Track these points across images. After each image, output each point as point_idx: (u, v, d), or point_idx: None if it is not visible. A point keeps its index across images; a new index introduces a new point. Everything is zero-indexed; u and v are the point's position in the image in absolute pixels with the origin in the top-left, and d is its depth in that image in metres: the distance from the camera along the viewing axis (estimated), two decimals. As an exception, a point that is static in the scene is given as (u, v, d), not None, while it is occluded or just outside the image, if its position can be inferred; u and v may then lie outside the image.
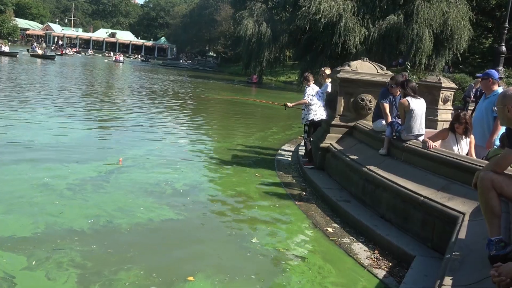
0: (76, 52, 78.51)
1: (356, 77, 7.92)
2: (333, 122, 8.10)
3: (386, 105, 6.83)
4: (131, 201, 5.86)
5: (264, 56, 40.40)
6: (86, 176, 6.77)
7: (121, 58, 66.63)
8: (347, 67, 8.10)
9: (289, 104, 9.05)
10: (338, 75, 7.96)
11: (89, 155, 8.11)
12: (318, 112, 8.47)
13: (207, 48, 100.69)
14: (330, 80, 8.80)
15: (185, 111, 17.10)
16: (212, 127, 14.01)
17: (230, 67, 74.13)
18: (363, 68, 8.07)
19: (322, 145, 7.99)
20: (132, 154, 8.53)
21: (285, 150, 10.28)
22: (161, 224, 5.19)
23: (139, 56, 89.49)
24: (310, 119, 8.51)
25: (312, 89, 8.63)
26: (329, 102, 8.55)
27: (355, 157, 6.74)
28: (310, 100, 8.51)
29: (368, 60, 8.41)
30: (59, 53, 64.33)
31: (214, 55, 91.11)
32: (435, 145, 5.50)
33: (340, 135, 8.03)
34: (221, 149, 10.03)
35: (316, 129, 8.66)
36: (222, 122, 15.65)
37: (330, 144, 7.86)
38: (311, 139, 8.46)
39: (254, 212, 5.95)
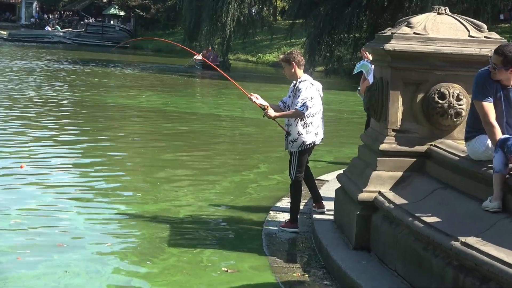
0: None
1: (425, 48, 8.05)
2: (382, 147, 8.19)
3: (489, 106, 6.90)
4: None
5: (229, 13, 40.69)
6: None
7: None
8: (405, 28, 8.23)
9: (272, 114, 9.29)
10: (387, 46, 8.07)
11: None
12: (320, 129, 9.54)
13: (104, 1, 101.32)
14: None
15: (70, 132, 17.20)
16: (132, 168, 14.08)
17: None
18: (440, 29, 8.23)
19: (362, 196, 8.05)
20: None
21: (283, 211, 10.31)
22: None
23: None
24: (309, 142, 9.28)
25: (311, 84, 9.27)
26: (370, 105, 8.65)
27: (434, 220, 6.79)
28: (310, 107, 9.11)
29: (448, 11, 8.58)
30: None
31: (122, 14, 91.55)
32: None
33: (400, 173, 8.12)
34: (150, 214, 10.09)
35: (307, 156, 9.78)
36: (152, 155, 15.67)
37: (379, 193, 7.95)
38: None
39: None
